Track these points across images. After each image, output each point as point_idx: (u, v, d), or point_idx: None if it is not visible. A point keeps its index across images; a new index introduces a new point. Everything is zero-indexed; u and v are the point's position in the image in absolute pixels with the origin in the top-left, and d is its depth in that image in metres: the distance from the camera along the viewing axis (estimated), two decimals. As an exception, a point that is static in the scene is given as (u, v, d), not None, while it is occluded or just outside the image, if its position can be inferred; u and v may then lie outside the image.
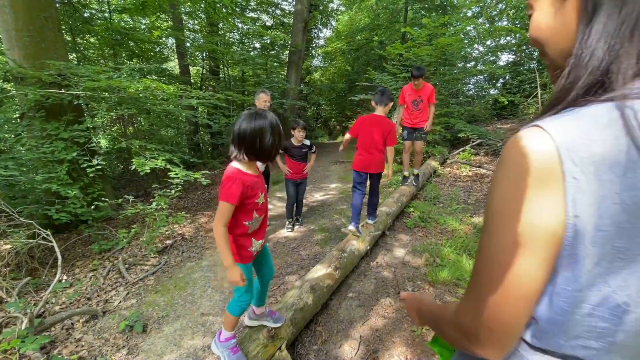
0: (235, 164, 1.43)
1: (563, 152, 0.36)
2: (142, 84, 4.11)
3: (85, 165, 3.70)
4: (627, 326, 0.37)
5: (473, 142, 7.49)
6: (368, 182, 3.21)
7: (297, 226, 4.08)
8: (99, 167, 3.73)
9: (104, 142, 4.02)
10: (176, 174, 4.09)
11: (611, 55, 0.37)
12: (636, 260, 0.36)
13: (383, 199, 4.72)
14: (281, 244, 3.63)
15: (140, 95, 4.84)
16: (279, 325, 1.80)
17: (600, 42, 0.37)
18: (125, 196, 3.82)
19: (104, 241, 3.77)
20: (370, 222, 3.27)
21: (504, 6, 10.37)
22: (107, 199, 3.95)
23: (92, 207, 3.69)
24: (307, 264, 3.09)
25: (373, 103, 3.00)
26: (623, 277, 0.36)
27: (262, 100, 3.59)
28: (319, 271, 2.34)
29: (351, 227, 2.99)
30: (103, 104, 4.62)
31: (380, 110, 2.94)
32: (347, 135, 3.17)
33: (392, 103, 2.98)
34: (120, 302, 2.55)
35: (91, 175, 3.74)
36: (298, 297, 2.00)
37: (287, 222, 4.06)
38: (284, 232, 3.93)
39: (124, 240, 3.68)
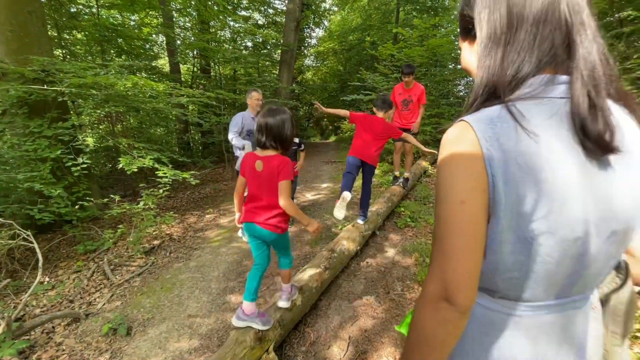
0: (273, 152, 1.71)
1: (479, 134, 0.51)
2: (130, 80, 4.02)
3: (69, 163, 3.61)
4: (537, 257, 0.50)
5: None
6: (360, 179, 3.21)
7: (291, 226, 4.05)
8: (84, 165, 3.64)
9: (90, 140, 3.91)
10: (164, 174, 4.02)
11: (492, 81, 0.55)
12: (530, 205, 0.48)
13: (374, 198, 4.72)
14: (271, 244, 3.59)
15: (129, 92, 4.75)
16: (267, 328, 1.77)
17: (485, 73, 0.56)
18: (112, 195, 3.74)
19: (89, 242, 3.68)
20: (360, 222, 3.26)
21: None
22: (92, 199, 3.86)
23: (77, 206, 3.61)
24: (297, 264, 3.06)
25: (375, 109, 3.18)
26: (512, 217, 0.49)
27: (254, 98, 3.56)
28: (308, 272, 2.31)
29: (345, 193, 2.96)
30: (89, 101, 4.50)
31: (381, 115, 3.10)
32: (346, 112, 3.30)
33: (392, 110, 3.16)
34: (104, 304, 2.49)
35: (76, 174, 3.65)
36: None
37: None
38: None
39: (110, 240, 3.60)
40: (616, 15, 6.63)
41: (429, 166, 6.55)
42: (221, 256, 3.29)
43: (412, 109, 4.56)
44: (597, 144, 0.48)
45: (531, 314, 0.55)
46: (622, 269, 0.61)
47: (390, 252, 3.20)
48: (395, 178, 4.81)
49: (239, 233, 3.79)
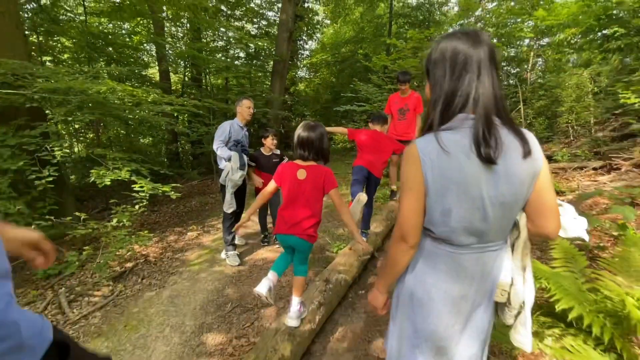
0: (314, 163, 1.83)
1: (420, 150, 0.85)
2: (105, 85, 3.67)
3: (33, 176, 3.22)
4: (453, 218, 0.85)
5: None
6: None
7: (277, 245, 3.68)
8: (50, 178, 3.25)
9: (58, 154, 3.52)
10: (141, 187, 3.64)
11: (431, 116, 0.90)
12: (448, 190, 0.83)
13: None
14: (258, 266, 3.21)
15: (107, 99, 4.39)
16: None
17: (429, 110, 0.92)
18: (76, 213, 3.33)
19: (54, 264, 3.25)
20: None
21: (483, 24, 10.55)
22: (60, 216, 3.45)
23: (39, 224, 3.19)
24: (286, 292, 2.69)
25: (370, 124, 3.30)
26: (445, 197, 0.84)
27: (245, 106, 3.24)
28: (299, 308, 1.94)
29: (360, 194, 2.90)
30: (59, 108, 4.12)
31: (377, 128, 3.21)
32: (344, 130, 3.32)
33: (387, 125, 3.44)
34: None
35: (40, 188, 3.25)
36: (272, 349, 1.60)
37: (262, 236, 3.77)
38: (262, 253, 3.52)
39: (76, 263, 3.17)
40: (603, 31, 6.62)
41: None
42: (200, 283, 2.90)
43: (409, 118, 4.30)
44: (486, 159, 0.79)
45: (460, 251, 0.90)
46: (517, 226, 0.91)
47: (392, 278, 2.85)
48: (393, 193, 4.52)
49: (222, 255, 3.41)
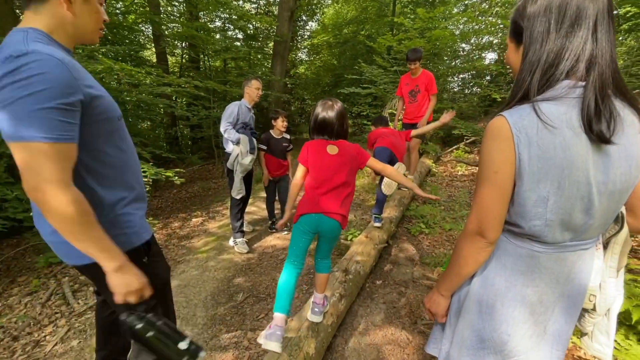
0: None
1: (512, 125, 0.69)
2: (102, 64, 3.45)
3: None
4: (550, 209, 0.70)
5: (467, 139, 7.16)
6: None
7: (286, 232, 3.57)
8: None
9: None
10: (144, 172, 3.49)
11: (526, 82, 0.72)
12: (547, 174, 0.68)
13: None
14: (268, 254, 3.10)
15: (104, 79, 4.18)
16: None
17: (524, 75, 0.73)
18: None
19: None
20: (377, 224, 2.92)
21: (487, 6, 10.18)
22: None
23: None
24: (299, 282, 2.59)
25: (373, 127, 3.27)
26: (543, 182, 0.69)
27: (254, 87, 3.04)
28: (319, 300, 1.83)
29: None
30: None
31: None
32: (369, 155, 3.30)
33: (390, 124, 3.40)
34: (55, 344, 1.94)
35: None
36: (296, 347, 1.49)
37: (270, 222, 3.68)
38: (271, 240, 3.41)
39: (78, 251, 3.04)
40: (614, 11, 6.36)
41: (433, 164, 6.14)
42: (209, 272, 2.79)
43: (420, 101, 4.00)
44: (598, 137, 0.65)
45: (548, 251, 0.75)
46: (619, 219, 0.80)
47: (408, 267, 2.75)
48: None
49: (230, 242, 3.29)
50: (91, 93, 0.87)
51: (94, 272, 0.94)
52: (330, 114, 1.61)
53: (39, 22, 0.85)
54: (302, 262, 1.64)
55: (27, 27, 0.83)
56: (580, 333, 0.91)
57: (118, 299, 0.92)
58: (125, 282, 0.91)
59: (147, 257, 1.08)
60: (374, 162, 1.67)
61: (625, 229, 0.78)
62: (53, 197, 0.78)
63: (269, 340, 1.45)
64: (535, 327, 0.80)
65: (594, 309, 0.82)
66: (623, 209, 0.78)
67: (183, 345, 0.94)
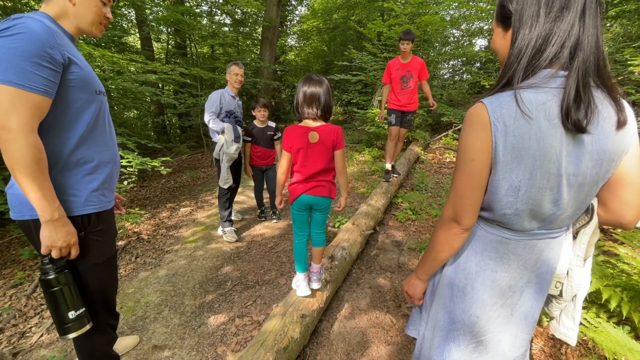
0: (322, 122, 1.72)
1: (490, 113, 0.69)
2: (80, 49, 3.34)
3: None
4: (521, 198, 0.71)
5: (455, 126, 7.22)
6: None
7: (275, 221, 3.59)
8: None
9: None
10: (129, 162, 3.44)
11: (512, 68, 0.70)
12: (520, 163, 0.68)
13: (368, 189, 4.31)
14: (256, 243, 3.12)
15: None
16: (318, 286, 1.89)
17: (511, 61, 0.71)
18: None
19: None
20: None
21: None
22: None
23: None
24: (287, 269, 2.62)
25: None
26: (516, 171, 0.69)
27: (233, 73, 2.97)
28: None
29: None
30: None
31: None
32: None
33: None
34: (41, 335, 1.94)
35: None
36: (281, 332, 1.52)
37: (259, 211, 3.68)
38: (260, 229, 3.42)
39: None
40: None
41: (422, 151, 6.18)
42: (197, 261, 2.80)
43: (413, 87, 4.01)
44: (574, 126, 0.64)
45: (516, 238, 0.78)
46: (589, 210, 0.79)
47: (395, 253, 2.80)
48: (387, 172, 4.08)
49: (218, 231, 3.30)
50: (71, 59, 1.00)
51: (28, 229, 1.05)
52: (317, 88, 1.65)
53: (49, 9, 1.06)
54: (306, 230, 1.90)
55: (37, 11, 1.02)
56: (548, 317, 0.95)
57: (43, 249, 1.00)
58: (53, 237, 0.98)
59: (84, 232, 1.10)
60: (339, 156, 1.72)
61: (595, 221, 0.79)
62: (15, 138, 0.87)
63: (303, 289, 1.83)
64: (503, 310, 0.83)
65: (560, 295, 0.86)
66: (595, 201, 0.78)
67: (71, 314, 1.04)
